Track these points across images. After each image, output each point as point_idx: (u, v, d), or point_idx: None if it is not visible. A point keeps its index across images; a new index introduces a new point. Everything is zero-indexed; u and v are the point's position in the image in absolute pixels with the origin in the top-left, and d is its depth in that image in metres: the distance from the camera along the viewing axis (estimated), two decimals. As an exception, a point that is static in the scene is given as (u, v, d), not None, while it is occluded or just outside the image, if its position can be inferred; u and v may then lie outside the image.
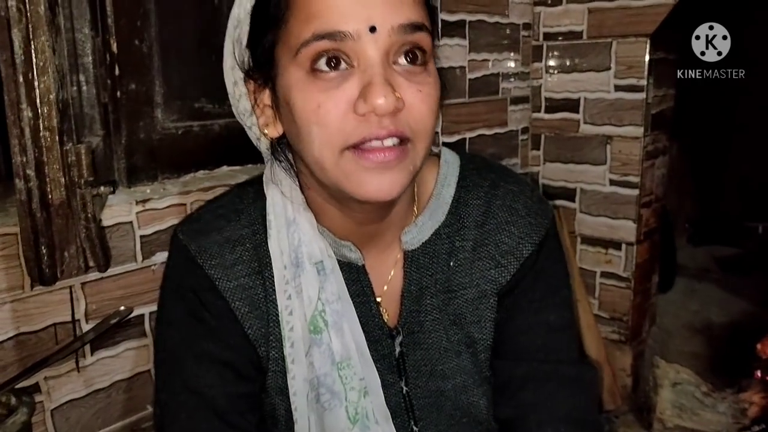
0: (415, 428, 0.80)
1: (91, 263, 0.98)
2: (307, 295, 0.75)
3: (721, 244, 2.63)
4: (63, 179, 0.82)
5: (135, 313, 1.26)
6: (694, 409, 1.86)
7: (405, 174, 0.68)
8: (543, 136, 2.12)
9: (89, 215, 0.91)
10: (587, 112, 2.00)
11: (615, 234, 2.01)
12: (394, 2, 0.64)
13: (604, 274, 2.05)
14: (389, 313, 0.80)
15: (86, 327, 1.22)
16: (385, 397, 0.78)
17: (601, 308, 2.07)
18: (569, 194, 2.08)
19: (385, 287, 0.80)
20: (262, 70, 0.72)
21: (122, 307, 1.23)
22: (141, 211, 1.28)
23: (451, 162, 0.83)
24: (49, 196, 0.84)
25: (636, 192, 1.94)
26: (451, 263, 0.80)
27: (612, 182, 1.99)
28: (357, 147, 0.66)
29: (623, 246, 1.99)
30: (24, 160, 0.77)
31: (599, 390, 1.86)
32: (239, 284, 0.76)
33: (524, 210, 0.81)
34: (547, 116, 2.10)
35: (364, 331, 0.77)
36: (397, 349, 0.79)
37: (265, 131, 0.76)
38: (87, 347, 1.24)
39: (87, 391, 1.24)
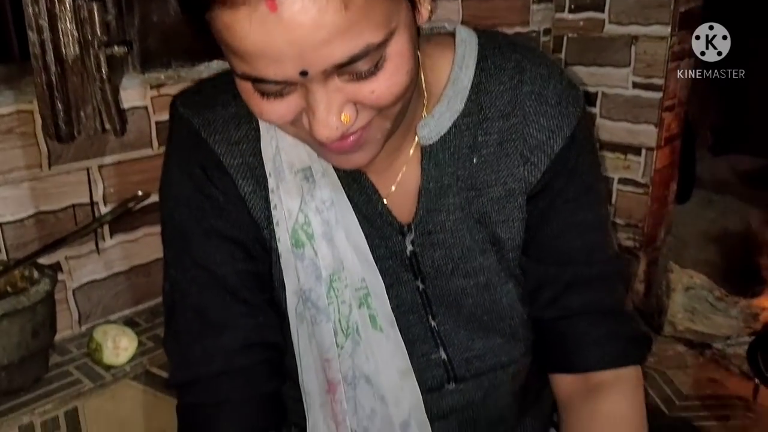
0: (432, 322, 0.78)
1: (107, 125, 0.98)
2: (286, 207, 0.72)
3: (744, 153, 2.58)
4: (76, 33, 0.80)
5: (152, 199, 1.27)
6: (706, 313, 1.88)
7: (375, 145, 0.63)
8: (565, 38, 2.06)
9: (104, 76, 0.90)
10: (613, 11, 1.93)
11: (635, 139, 1.98)
12: (327, 39, 0.52)
13: (621, 180, 2.03)
14: (401, 210, 0.76)
15: (104, 210, 1.23)
16: (400, 295, 0.76)
17: (617, 215, 2.06)
18: (590, 99, 2.03)
19: (393, 187, 0.75)
20: None
21: (140, 192, 1.23)
22: (156, 97, 1.27)
23: (468, 41, 0.75)
24: (63, 51, 0.82)
25: (659, 95, 1.89)
26: (474, 160, 0.74)
27: (635, 85, 1.93)
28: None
29: (643, 151, 1.96)
30: (36, 10, 0.75)
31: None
32: (244, 162, 0.72)
33: (554, 98, 0.74)
34: (570, 16, 2.03)
35: (371, 229, 0.74)
36: (408, 248, 0.76)
37: None
38: (106, 230, 1.26)
39: (107, 273, 1.27)
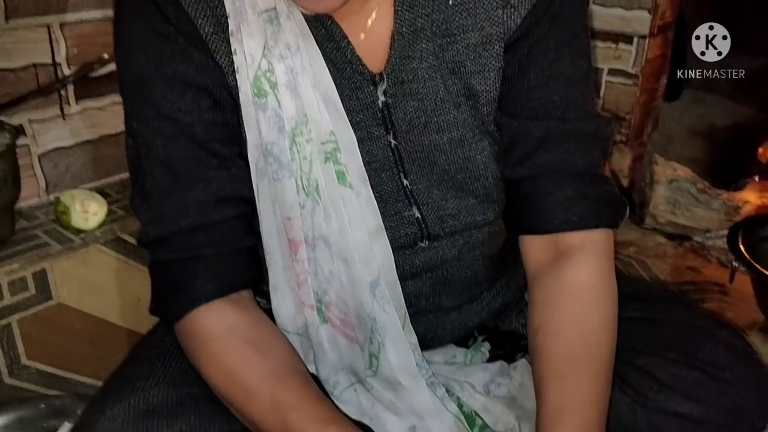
0: (405, 181, 0.75)
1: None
2: (248, 52, 0.66)
3: (737, 50, 2.52)
4: None
5: (120, 64, 1.20)
6: (688, 206, 1.87)
7: None
8: None
9: None
10: None
11: (627, 27, 1.90)
12: None
13: (611, 71, 1.97)
14: (371, 59, 0.71)
15: (68, 72, 1.17)
16: (371, 151, 0.73)
17: (604, 107, 2.01)
18: (583, -16, 1.94)
19: (363, 35, 0.71)
20: None
21: (105, 55, 1.17)
22: (120, -49, 1.18)
23: None
24: None
25: (655, -22, 1.81)
26: (450, 1, 0.70)
27: (630, -33, 1.85)
28: None
29: (635, 39, 1.90)
30: None
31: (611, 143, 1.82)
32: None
33: None
34: None
35: (340, 79, 0.70)
36: (381, 98, 0.72)
37: None
38: (71, 95, 1.20)
39: (74, 141, 1.22)
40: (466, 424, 0.75)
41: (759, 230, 1.54)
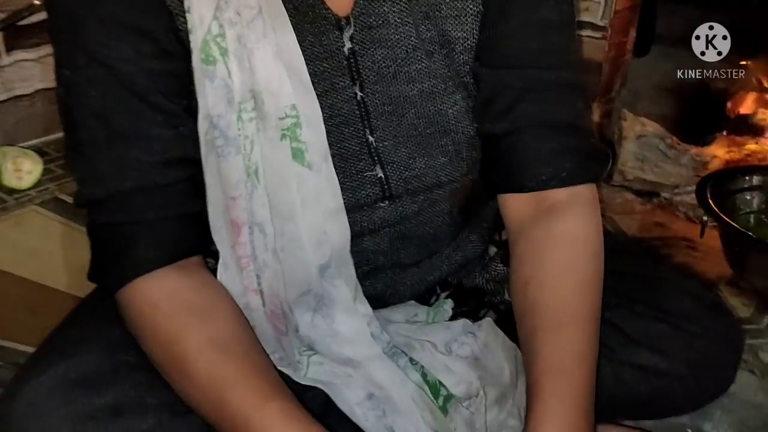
0: (370, 138, 0.70)
1: None
2: (198, 13, 0.60)
3: (707, 7, 2.50)
4: None
5: (54, 12, 1.12)
6: (656, 161, 1.86)
7: None
8: None
9: None
10: None
11: (596, -23, 1.86)
12: None
13: (580, 24, 1.93)
14: (338, 1, 0.66)
15: (-4, 19, 1.08)
16: (334, 104, 0.68)
17: (573, 62, 1.98)
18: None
19: None
20: None
21: (36, 1, 1.08)
22: None
23: None
24: None
25: (624, -76, 1.76)
26: None
27: None
28: None
29: (603, -9, 1.85)
30: None
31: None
32: None
33: None
34: None
35: (302, 24, 0.64)
36: (347, 45, 0.67)
37: None
38: (1, 45, 1.11)
39: (7, 96, 1.14)
40: (430, 394, 0.71)
41: (727, 184, 1.52)
